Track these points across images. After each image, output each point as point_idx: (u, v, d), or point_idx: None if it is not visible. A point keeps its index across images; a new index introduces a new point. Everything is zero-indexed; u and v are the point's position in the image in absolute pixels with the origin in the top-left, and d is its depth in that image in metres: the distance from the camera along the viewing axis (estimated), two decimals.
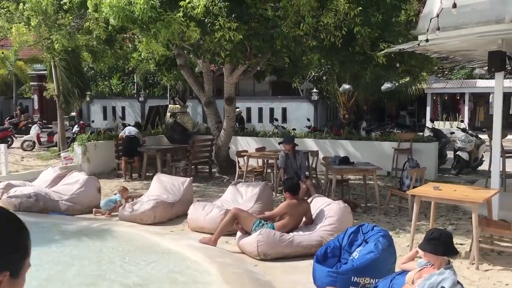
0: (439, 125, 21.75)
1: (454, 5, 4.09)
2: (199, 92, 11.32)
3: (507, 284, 4.67)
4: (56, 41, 9.00)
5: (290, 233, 5.66)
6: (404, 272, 3.70)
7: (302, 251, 5.51)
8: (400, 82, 19.93)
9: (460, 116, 22.67)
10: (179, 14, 7.17)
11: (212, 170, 11.42)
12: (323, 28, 7.86)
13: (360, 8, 7.48)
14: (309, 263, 4.87)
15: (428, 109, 23.31)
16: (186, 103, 13.50)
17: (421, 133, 14.30)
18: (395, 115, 25.29)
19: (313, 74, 17.63)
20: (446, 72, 27.27)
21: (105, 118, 22.92)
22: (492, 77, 6.98)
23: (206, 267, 4.96)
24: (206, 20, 7.48)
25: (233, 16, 7.55)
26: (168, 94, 19.57)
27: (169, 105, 13.66)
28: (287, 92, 21.20)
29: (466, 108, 23.32)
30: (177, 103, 13.21)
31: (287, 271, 5.14)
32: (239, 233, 5.80)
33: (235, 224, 5.76)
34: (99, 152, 11.24)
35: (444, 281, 3.19)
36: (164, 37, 7.18)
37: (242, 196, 7.24)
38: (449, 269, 3.29)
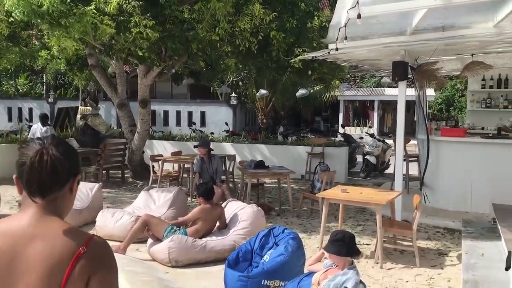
0: (351, 130, 22.79)
1: (359, 16, 4.28)
2: (111, 94, 10.90)
3: (407, 281, 4.95)
4: None
5: (203, 239, 5.59)
6: (311, 273, 3.78)
7: (215, 256, 5.46)
8: (315, 89, 20.65)
9: (369, 122, 23.92)
10: (90, 7, 6.86)
11: (125, 175, 11.04)
12: (239, 33, 7.91)
13: (275, 13, 7.63)
14: (221, 268, 4.83)
15: (341, 115, 24.36)
16: (98, 105, 12.93)
17: (334, 138, 14.89)
18: (311, 121, 26.15)
19: (231, 78, 17.73)
20: (357, 80, 28.73)
21: (10, 119, 21.37)
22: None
23: None
24: (120, 18, 7.22)
25: (148, 15, 7.37)
26: (80, 96, 18.68)
27: (80, 107, 13.01)
28: (206, 95, 21.11)
29: (375, 114, 24.65)
30: (88, 104, 12.61)
31: (199, 277, 5.07)
32: (150, 240, 5.63)
33: (145, 231, 5.59)
34: (0, 157, 10.43)
35: (347, 281, 3.30)
36: (77, 31, 6.80)
37: (155, 202, 7.05)
38: (352, 269, 3.41)
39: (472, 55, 7.85)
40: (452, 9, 5.23)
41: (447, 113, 24.66)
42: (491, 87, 10.98)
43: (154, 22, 7.15)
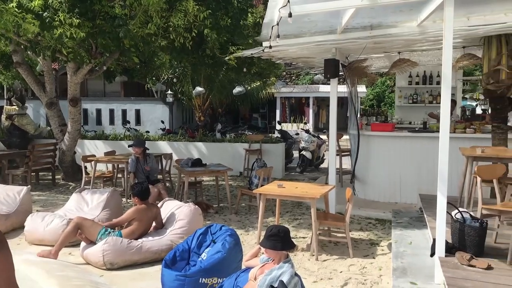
0: (287, 127, 23.20)
1: (290, 15, 4.36)
2: (39, 93, 10.39)
3: (341, 272, 5.12)
4: None
5: (139, 239, 5.48)
6: (248, 269, 3.82)
7: (152, 257, 5.37)
8: (252, 86, 20.80)
9: (305, 118, 24.46)
10: (12, 4, 6.49)
11: (56, 177, 10.57)
12: (172, 29, 7.80)
13: (209, 11, 7.59)
14: (158, 269, 4.76)
15: (278, 111, 24.73)
16: (25, 104, 12.27)
17: (271, 135, 15.09)
18: (249, 118, 26.33)
19: (167, 75, 17.45)
20: (293, 77, 29.28)
21: None
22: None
23: (44, 283, 4.54)
24: (45, 15, 6.89)
25: (75, 11, 7.08)
26: (5, 95, 17.62)
27: (5, 107, 12.28)
28: (141, 93, 20.65)
29: (311, 111, 25.25)
30: (14, 104, 11.93)
31: (136, 278, 4.97)
32: (83, 243, 5.44)
33: (78, 234, 5.39)
34: None
35: (283, 275, 3.36)
36: None
37: (87, 204, 6.81)
38: (288, 263, 3.47)
39: (399, 53, 8.23)
40: (378, 9, 5.45)
41: (378, 109, 25.71)
42: (417, 83, 11.59)
43: (81, 20, 6.89)
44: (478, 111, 14.81)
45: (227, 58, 8.08)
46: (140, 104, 19.04)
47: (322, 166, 12.76)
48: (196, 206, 6.11)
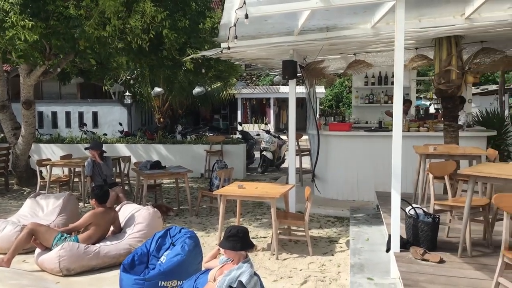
0: (249, 127, 23.26)
1: (246, 16, 4.38)
2: None
3: (301, 270, 5.19)
4: None
5: (97, 244, 5.37)
6: (207, 270, 3.81)
7: (110, 261, 5.28)
8: (212, 87, 20.72)
9: (266, 119, 24.59)
10: None
11: (10, 182, 10.20)
12: (129, 31, 7.68)
13: (167, 12, 7.52)
14: (117, 273, 4.68)
15: (239, 112, 24.75)
16: None
17: (232, 136, 15.08)
18: (210, 119, 26.22)
19: (125, 77, 17.14)
20: (254, 78, 29.39)
21: None
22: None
23: None
24: None
25: (27, 12, 6.86)
26: None
27: None
28: (98, 95, 20.17)
29: (272, 111, 25.40)
30: None
31: (93, 284, 4.86)
32: (38, 250, 5.28)
33: (32, 241, 5.23)
34: None
35: (242, 275, 3.38)
36: None
37: (43, 209, 6.62)
38: (247, 263, 3.49)
39: (355, 54, 8.43)
40: (333, 11, 5.56)
41: (336, 109, 26.16)
42: (373, 83, 11.88)
43: (34, 22, 6.69)
44: (432, 110, 15.33)
45: (184, 60, 8.03)
46: (98, 106, 18.61)
47: (283, 166, 12.87)
48: (155, 209, 6.05)
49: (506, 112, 13.73)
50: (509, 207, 3.21)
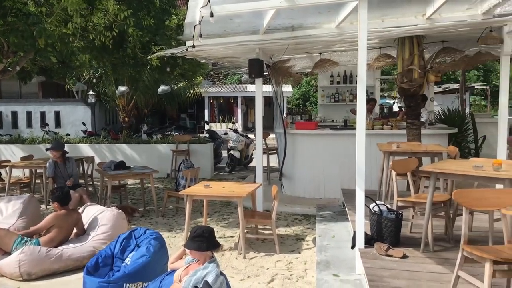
0: (216, 126, 23.19)
1: (211, 14, 4.35)
2: None
3: (268, 268, 5.20)
4: None
5: (59, 247, 5.23)
6: (173, 271, 3.77)
7: (73, 264, 5.15)
8: (179, 85, 20.52)
9: (234, 118, 24.57)
10: None
11: None
12: (92, 28, 7.51)
13: (130, 10, 7.39)
14: (80, 276, 4.58)
15: (206, 111, 24.64)
16: None
17: (199, 135, 14.98)
18: (176, 118, 25.98)
19: (89, 75, 16.76)
20: (221, 77, 29.31)
21: None
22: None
23: None
24: None
25: None
26: None
27: None
28: (60, 94, 19.66)
29: (240, 110, 25.40)
30: None
31: None
32: None
33: None
34: None
35: (207, 275, 3.35)
36: None
37: (2, 212, 6.37)
38: (213, 263, 3.47)
39: (320, 53, 8.50)
40: (298, 11, 5.59)
41: (304, 108, 26.39)
42: (338, 82, 12.02)
43: None
44: (395, 108, 15.64)
45: (148, 57, 7.91)
46: (60, 106, 18.13)
47: (251, 165, 12.88)
48: (120, 210, 5.95)
49: (467, 110, 14.16)
50: (468, 203, 3.30)
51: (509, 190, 3.54)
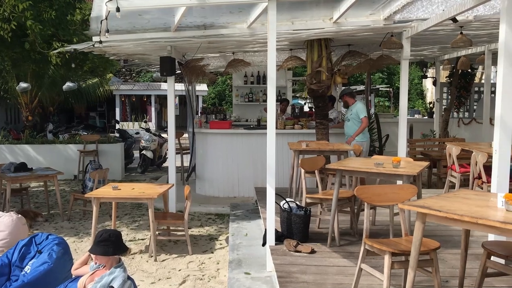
0: (129, 125, 22.48)
1: (118, 9, 4.19)
2: None
3: (180, 270, 5.12)
4: None
5: None
6: (77, 278, 3.57)
7: None
8: (88, 82, 19.60)
9: (147, 117, 23.96)
10: None
11: None
12: None
13: (30, 1, 6.90)
14: None
15: (117, 110, 23.78)
16: None
17: (110, 134, 14.41)
18: (85, 116, 24.81)
19: None
20: (133, 74, 28.42)
21: None
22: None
23: None
24: None
25: None
26: None
27: None
28: None
29: (153, 109, 24.83)
30: None
31: None
32: None
33: None
34: None
35: (114, 280, 3.22)
36: None
37: None
38: (119, 267, 3.34)
39: (233, 53, 8.55)
40: (210, 9, 5.55)
41: (219, 107, 26.40)
42: (252, 82, 12.19)
43: None
44: (306, 108, 16.15)
45: (51, 53, 7.45)
46: None
47: (164, 165, 12.63)
48: (20, 215, 5.55)
49: (372, 111, 14.99)
50: (369, 198, 3.49)
51: (406, 186, 3.79)
